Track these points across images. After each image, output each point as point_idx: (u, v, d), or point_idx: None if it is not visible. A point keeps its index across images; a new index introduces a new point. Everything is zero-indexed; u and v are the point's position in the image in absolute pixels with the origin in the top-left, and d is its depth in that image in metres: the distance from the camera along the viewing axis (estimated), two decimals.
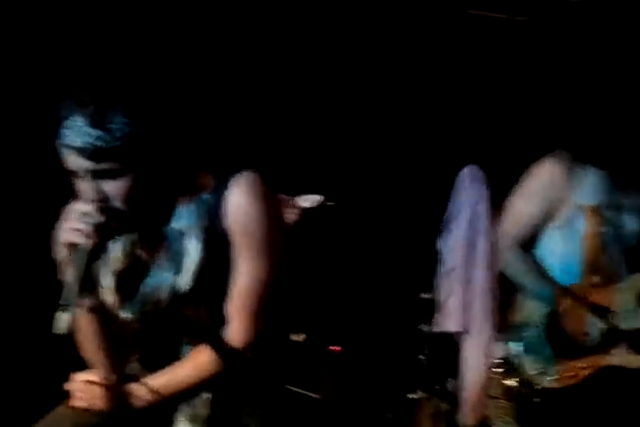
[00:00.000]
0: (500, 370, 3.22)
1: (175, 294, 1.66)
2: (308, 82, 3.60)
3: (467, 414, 2.87)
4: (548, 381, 2.57)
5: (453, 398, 2.91)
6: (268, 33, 3.53)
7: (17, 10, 3.12)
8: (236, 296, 1.64)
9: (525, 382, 3.10)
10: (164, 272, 1.66)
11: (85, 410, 1.68)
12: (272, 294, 1.70)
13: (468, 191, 2.79)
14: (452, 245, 2.81)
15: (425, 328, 2.99)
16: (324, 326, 3.21)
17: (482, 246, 2.77)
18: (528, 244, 2.54)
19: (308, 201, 2.92)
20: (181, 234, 1.64)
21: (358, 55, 3.70)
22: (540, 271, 2.52)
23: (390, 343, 3.54)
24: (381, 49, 3.71)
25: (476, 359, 2.84)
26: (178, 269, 1.64)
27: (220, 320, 1.67)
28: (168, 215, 1.64)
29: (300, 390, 2.87)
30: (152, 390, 1.66)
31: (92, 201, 1.52)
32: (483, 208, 2.77)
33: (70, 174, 1.54)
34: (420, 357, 3.05)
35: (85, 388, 1.67)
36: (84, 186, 1.53)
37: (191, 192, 1.65)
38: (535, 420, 2.97)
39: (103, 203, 1.52)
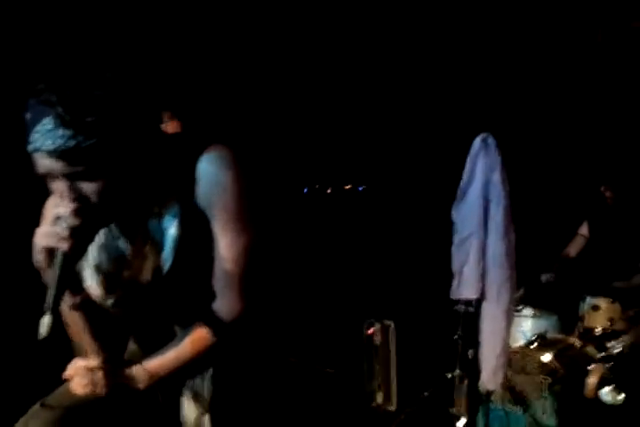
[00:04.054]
0: (535, 345, 3.21)
1: (158, 274, 1.61)
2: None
3: (487, 380, 2.89)
4: None
5: (474, 366, 2.91)
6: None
7: None
8: (220, 271, 1.60)
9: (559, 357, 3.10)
10: (146, 255, 1.61)
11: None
12: (258, 266, 1.63)
13: (482, 159, 2.74)
14: (466, 214, 2.78)
15: (460, 308, 2.93)
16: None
17: (496, 214, 2.74)
18: None
19: None
20: (158, 214, 1.59)
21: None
22: None
23: (426, 323, 3.54)
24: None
25: (494, 326, 2.83)
26: (158, 249, 1.60)
27: (210, 295, 1.63)
28: (147, 204, 1.58)
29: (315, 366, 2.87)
30: (151, 372, 1.66)
31: (68, 202, 1.46)
32: (497, 176, 2.73)
33: (44, 177, 1.47)
34: (456, 336, 2.99)
35: (84, 373, 1.67)
36: (59, 186, 1.47)
37: (167, 177, 1.56)
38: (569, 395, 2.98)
39: (79, 203, 1.46)
